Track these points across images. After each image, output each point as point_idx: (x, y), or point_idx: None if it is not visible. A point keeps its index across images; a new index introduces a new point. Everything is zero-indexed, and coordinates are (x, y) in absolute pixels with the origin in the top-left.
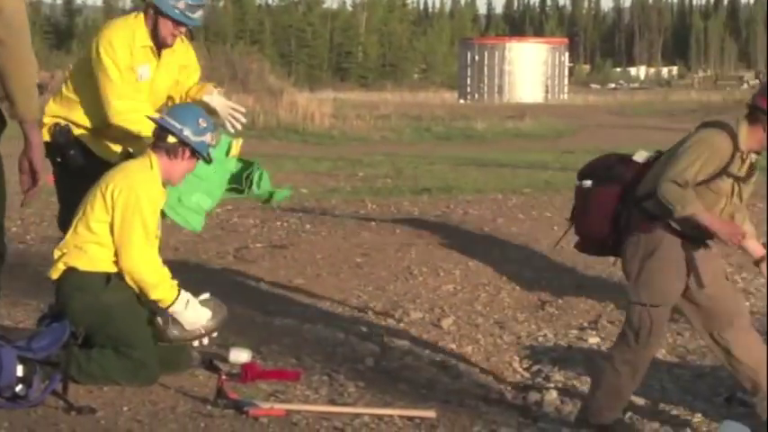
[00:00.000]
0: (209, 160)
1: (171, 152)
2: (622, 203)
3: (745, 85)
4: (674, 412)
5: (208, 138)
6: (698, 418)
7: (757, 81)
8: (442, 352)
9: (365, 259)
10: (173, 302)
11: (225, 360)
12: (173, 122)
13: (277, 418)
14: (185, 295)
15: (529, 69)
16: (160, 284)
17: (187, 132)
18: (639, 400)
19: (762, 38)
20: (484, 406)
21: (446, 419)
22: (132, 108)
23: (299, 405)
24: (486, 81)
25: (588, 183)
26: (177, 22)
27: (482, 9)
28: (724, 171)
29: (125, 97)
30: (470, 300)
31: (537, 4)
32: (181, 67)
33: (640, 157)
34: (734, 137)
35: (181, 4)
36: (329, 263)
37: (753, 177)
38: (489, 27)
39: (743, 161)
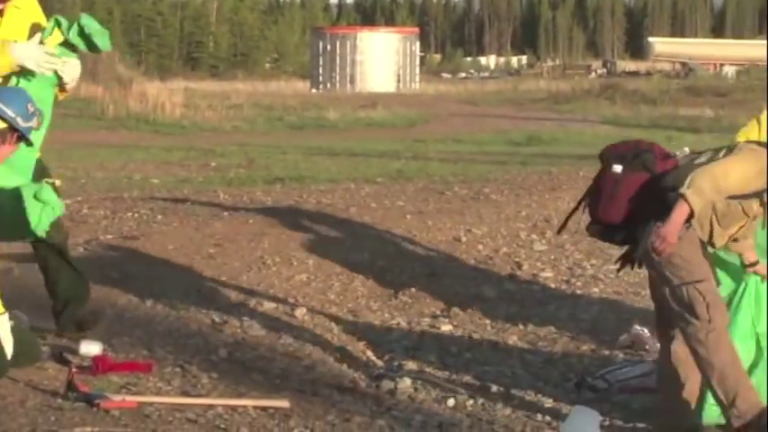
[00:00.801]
0: (31, 144)
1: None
2: (648, 192)
3: (593, 74)
4: (526, 398)
5: (34, 123)
6: (549, 403)
7: (605, 70)
8: (296, 342)
9: (218, 250)
10: None
11: (75, 353)
12: (4, 108)
13: (129, 411)
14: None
15: (380, 59)
16: None
17: (18, 118)
18: (491, 387)
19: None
20: (337, 395)
21: (300, 409)
22: None
23: (152, 397)
24: (337, 70)
25: (619, 168)
26: None
27: None
28: (761, 193)
29: None
30: (323, 289)
31: None
32: (33, 25)
33: (681, 153)
34: None
35: None
36: (181, 254)
37: None
38: (341, 16)
39: None
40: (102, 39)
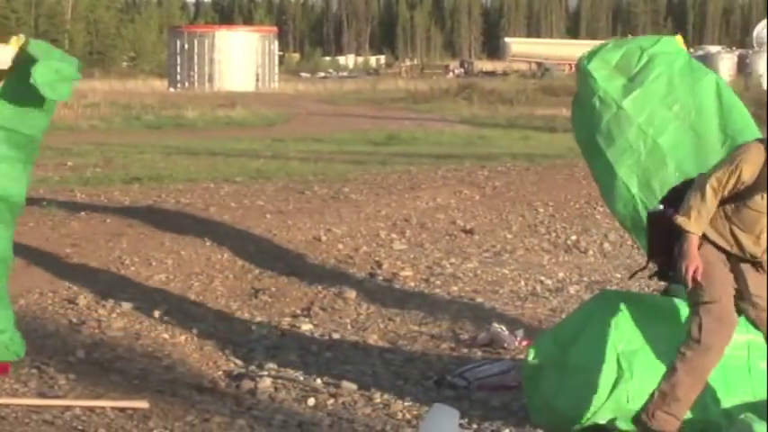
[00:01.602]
0: None
1: None
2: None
3: (451, 74)
4: (386, 396)
5: None
6: (408, 401)
7: (462, 70)
8: (155, 342)
9: (75, 249)
10: None
11: None
12: None
13: None
14: None
15: (239, 58)
16: None
17: None
18: (351, 386)
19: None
20: (197, 395)
21: (159, 410)
22: None
23: (8, 399)
24: (196, 69)
25: (670, 210)
26: None
27: None
28: (760, 186)
29: None
30: (183, 289)
31: None
32: None
33: None
34: None
35: None
36: (38, 254)
37: None
38: (198, 15)
39: None
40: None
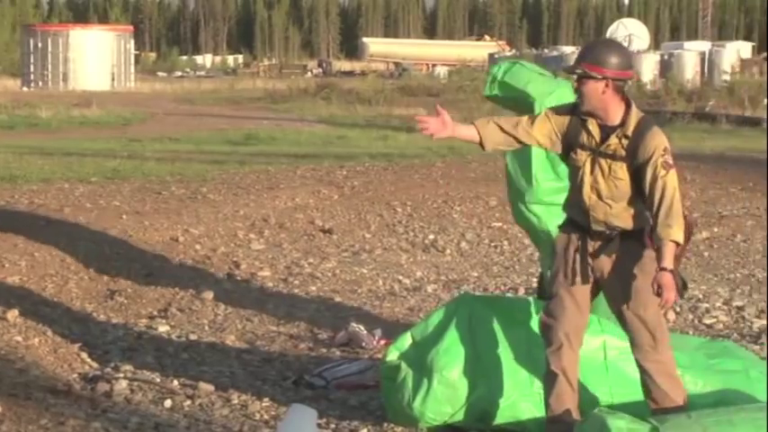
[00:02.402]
0: None
1: None
2: None
3: (309, 74)
4: (243, 397)
5: None
6: (266, 402)
7: (320, 70)
8: (8, 345)
9: None
10: None
11: None
12: None
13: None
14: None
15: (94, 57)
16: None
17: None
18: (208, 387)
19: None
20: (52, 398)
21: (12, 413)
22: None
23: None
24: (50, 68)
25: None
26: None
27: None
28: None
29: None
30: (37, 291)
31: None
32: None
33: None
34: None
35: None
36: None
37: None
38: (52, 14)
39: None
40: None
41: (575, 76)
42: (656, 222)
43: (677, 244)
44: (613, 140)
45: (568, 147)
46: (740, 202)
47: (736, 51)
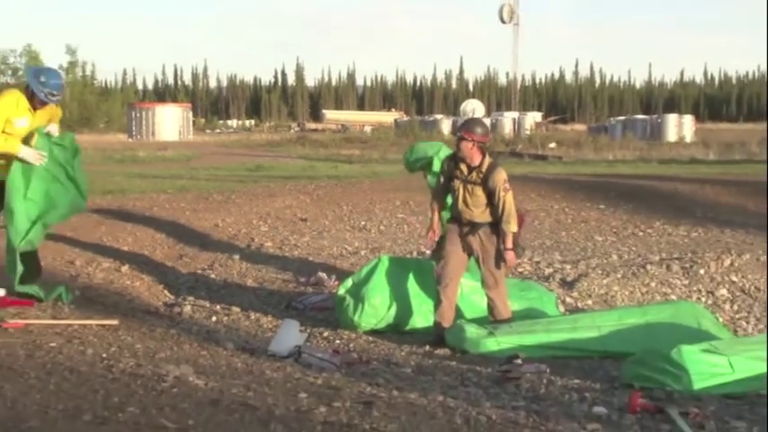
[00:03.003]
0: None
1: None
2: None
3: (293, 131)
4: (257, 315)
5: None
6: (270, 317)
7: (299, 128)
8: (122, 285)
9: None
10: None
11: None
12: None
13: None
14: None
15: (169, 121)
16: None
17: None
18: (236, 309)
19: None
20: (147, 316)
21: (124, 325)
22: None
23: (33, 320)
24: (144, 128)
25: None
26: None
27: None
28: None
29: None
30: (138, 254)
31: None
32: (51, 116)
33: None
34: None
35: (46, 91)
36: None
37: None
38: (145, 96)
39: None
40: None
41: (456, 136)
42: (501, 221)
43: (513, 233)
44: (474, 174)
45: (449, 178)
46: (535, 201)
47: (533, 118)
